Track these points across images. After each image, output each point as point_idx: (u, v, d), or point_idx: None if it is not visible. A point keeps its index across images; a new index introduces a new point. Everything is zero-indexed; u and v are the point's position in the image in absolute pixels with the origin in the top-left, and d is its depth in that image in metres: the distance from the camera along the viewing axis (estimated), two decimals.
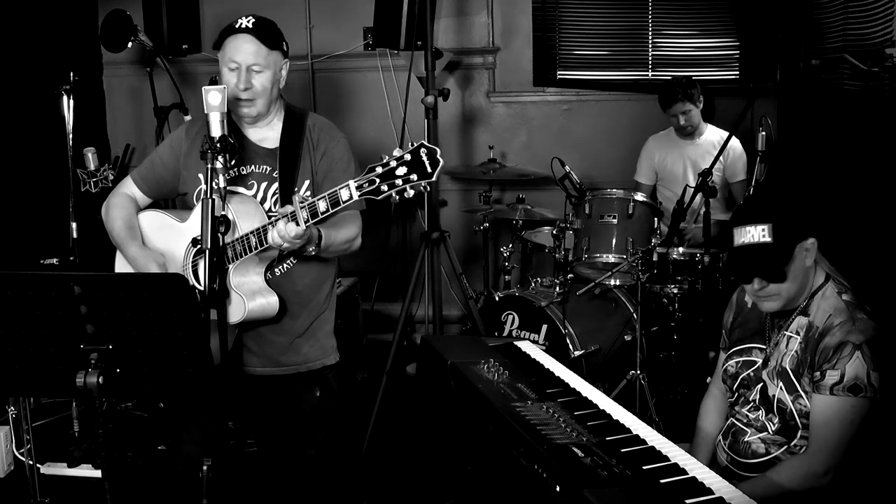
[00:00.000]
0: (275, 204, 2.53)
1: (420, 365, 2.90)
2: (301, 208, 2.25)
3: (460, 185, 5.39)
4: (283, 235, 2.27)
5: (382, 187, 2.20)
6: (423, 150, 2.19)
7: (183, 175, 2.63)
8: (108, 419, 2.04)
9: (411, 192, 2.22)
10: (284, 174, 2.52)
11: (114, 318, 1.94)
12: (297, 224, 2.25)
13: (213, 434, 2.20)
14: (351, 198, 2.23)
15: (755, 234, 2.22)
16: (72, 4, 5.15)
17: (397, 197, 2.21)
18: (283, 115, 2.61)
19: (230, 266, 2.37)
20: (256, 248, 2.35)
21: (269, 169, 2.56)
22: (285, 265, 2.57)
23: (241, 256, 2.37)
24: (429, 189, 2.26)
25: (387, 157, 2.21)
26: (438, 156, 2.20)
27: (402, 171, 2.19)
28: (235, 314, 2.40)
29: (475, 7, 5.35)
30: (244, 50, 2.47)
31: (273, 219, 2.32)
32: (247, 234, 2.36)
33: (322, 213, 2.26)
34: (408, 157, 2.19)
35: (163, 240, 2.60)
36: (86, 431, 3.74)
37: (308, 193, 2.55)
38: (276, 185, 2.53)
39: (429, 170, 2.19)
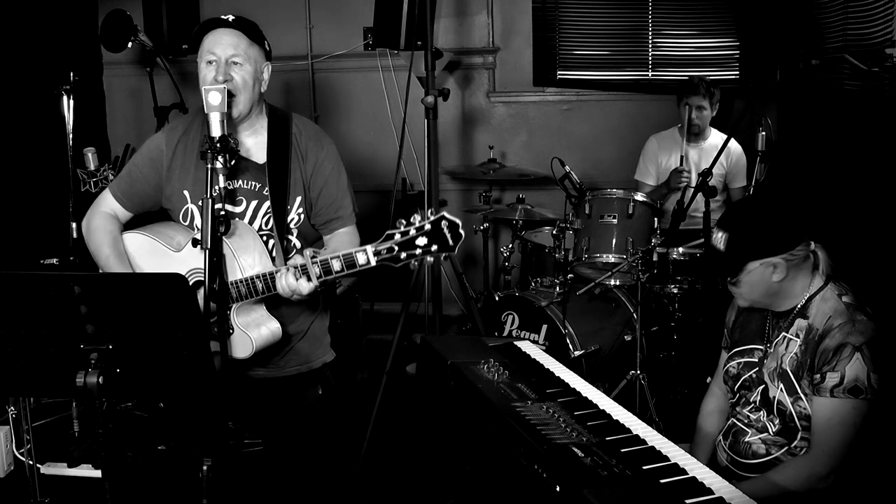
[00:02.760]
0: (266, 223, 2.48)
1: (420, 365, 2.90)
2: (314, 264, 2.22)
3: (460, 185, 5.39)
4: (293, 289, 2.25)
5: (401, 255, 2.18)
6: (444, 222, 2.17)
7: (166, 190, 2.52)
8: (108, 419, 2.03)
9: (430, 260, 2.20)
10: (276, 194, 2.45)
11: (114, 318, 1.94)
12: (309, 279, 2.23)
13: (214, 434, 2.20)
14: (368, 262, 2.19)
15: (716, 239, 2.27)
16: (72, 4, 5.15)
17: (416, 263, 2.20)
18: (267, 122, 2.52)
19: (233, 306, 2.34)
20: (263, 294, 2.31)
21: (258, 186, 2.48)
22: None
23: (245, 299, 2.34)
24: (448, 259, 2.25)
25: (405, 225, 2.18)
26: (460, 229, 2.17)
27: (422, 241, 2.17)
28: (243, 351, 2.37)
29: (475, 7, 5.35)
30: (223, 42, 2.37)
31: (283, 269, 2.27)
32: (253, 279, 2.31)
33: (336, 272, 2.23)
34: (428, 226, 2.17)
35: (153, 266, 2.50)
36: (86, 431, 3.74)
37: (301, 211, 2.50)
38: (266, 204, 2.47)
39: (450, 243, 2.17)
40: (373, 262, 2.19)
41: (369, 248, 2.19)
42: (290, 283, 2.25)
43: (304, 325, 2.61)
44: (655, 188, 4.61)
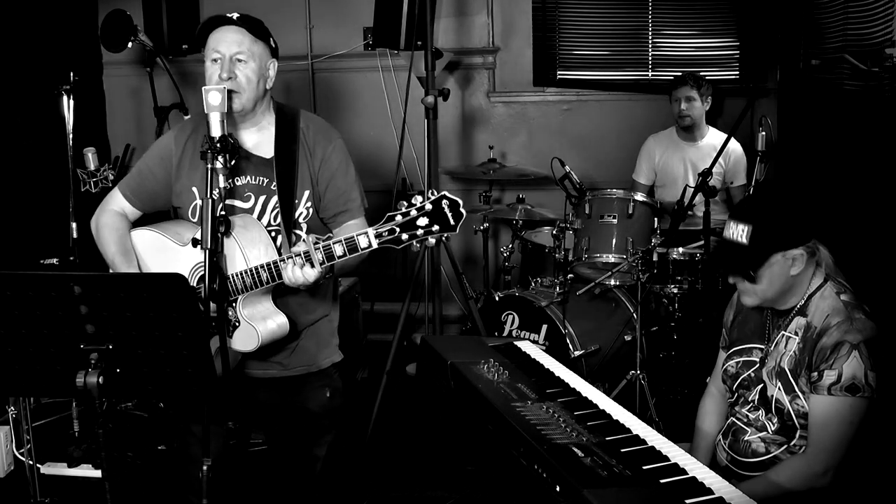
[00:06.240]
0: (275, 218, 2.47)
1: (420, 365, 2.90)
2: (316, 250, 2.22)
3: (460, 185, 5.39)
4: (297, 278, 2.24)
5: (403, 236, 2.18)
6: (445, 201, 2.16)
7: (175, 188, 2.52)
8: (108, 419, 2.03)
9: (432, 241, 2.20)
10: (283, 188, 2.45)
11: (114, 318, 1.94)
12: (312, 266, 2.23)
13: (213, 434, 2.20)
14: (370, 245, 2.19)
15: (736, 232, 2.24)
16: (72, 4, 5.15)
17: (418, 245, 2.20)
18: (275, 118, 2.53)
19: (239, 297, 2.33)
20: (267, 283, 2.30)
21: (266, 181, 2.47)
22: None
23: (250, 290, 2.32)
24: (449, 239, 2.23)
25: (406, 206, 2.18)
26: (461, 208, 2.17)
27: (423, 221, 2.16)
28: (249, 344, 2.36)
29: (475, 7, 5.35)
30: (228, 39, 2.39)
31: (286, 256, 2.27)
32: (257, 268, 2.29)
33: (338, 257, 2.23)
34: (429, 206, 2.16)
35: (160, 263, 2.49)
36: (86, 431, 3.74)
37: (309, 205, 2.49)
38: (275, 199, 2.46)
39: (451, 222, 2.17)
40: (374, 245, 2.20)
41: (371, 231, 2.19)
42: (296, 272, 2.25)
43: (310, 321, 2.59)
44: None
